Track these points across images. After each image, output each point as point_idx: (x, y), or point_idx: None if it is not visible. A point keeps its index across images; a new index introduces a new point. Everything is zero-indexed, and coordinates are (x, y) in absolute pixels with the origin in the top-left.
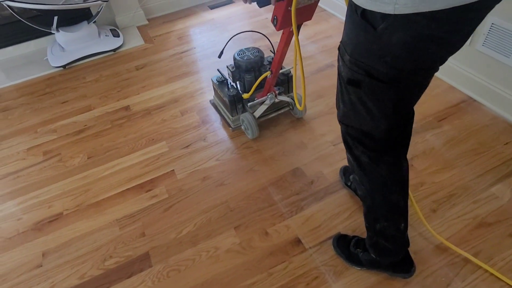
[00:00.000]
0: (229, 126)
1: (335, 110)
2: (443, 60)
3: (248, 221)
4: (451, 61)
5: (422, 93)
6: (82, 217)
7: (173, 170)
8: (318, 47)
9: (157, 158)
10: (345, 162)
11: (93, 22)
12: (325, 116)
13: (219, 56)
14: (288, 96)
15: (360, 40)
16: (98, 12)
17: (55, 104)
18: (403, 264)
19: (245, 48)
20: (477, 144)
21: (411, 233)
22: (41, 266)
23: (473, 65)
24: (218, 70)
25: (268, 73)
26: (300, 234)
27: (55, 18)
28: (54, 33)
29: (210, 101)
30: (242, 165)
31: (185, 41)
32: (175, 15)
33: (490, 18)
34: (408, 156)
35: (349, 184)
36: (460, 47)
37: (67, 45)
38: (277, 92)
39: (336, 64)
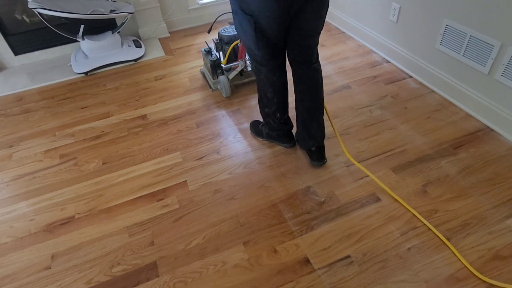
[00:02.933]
0: (210, 87)
1: (351, 131)
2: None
3: (257, 237)
4: (469, 89)
5: (277, 25)
6: (93, 222)
7: (186, 181)
8: (335, 68)
9: (171, 168)
10: (358, 184)
11: (117, 32)
12: (340, 137)
13: (208, 32)
14: None
15: None
16: (123, 23)
17: (74, 109)
18: (286, 137)
19: (228, 26)
20: (493, 174)
21: None
22: (50, 268)
23: (491, 95)
24: (205, 42)
25: (237, 42)
26: (309, 254)
27: (82, 26)
28: (79, 41)
29: (200, 70)
30: (254, 180)
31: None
32: (196, 29)
33: (510, 50)
34: (422, 181)
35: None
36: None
37: (90, 52)
38: (247, 60)
39: (352, 85)
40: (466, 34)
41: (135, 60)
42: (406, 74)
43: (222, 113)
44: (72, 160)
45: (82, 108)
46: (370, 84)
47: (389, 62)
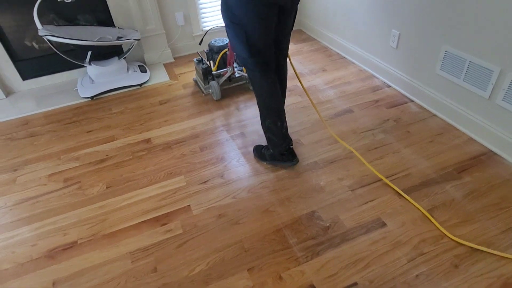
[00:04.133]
0: (202, 92)
1: (354, 155)
2: (279, 12)
3: (262, 264)
4: (471, 113)
5: (266, 33)
6: (96, 247)
7: (189, 205)
8: (337, 92)
9: (174, 192)
10: (363, 209)
11: (123, 58)
12: (343, 161)
13: (199, 44)
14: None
15: (227, 5)
16: (129, 49)
17: (80, 133)
18: (288, 154)
19: (218, 38)
20: (499, 198)
21: None
22: None
23: (493, 119)
24: (197, 52)
25: (226, 50)
26: (315, 281)
27: (89, 53)
28: (86, 66)
29: (193, 78)
30: (258, 204)
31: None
32: None
33: (510, 75)
34: (428, 206)
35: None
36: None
37: (97, 77)
38: (235, 67)
39: (354, 109)
40: (466, 59)
41: (140, 84)
42: (408, 98)
43: (225, 137)
44: (76, 184)
45: (88, 132)
46: (372, 108)
47: (390, 86)
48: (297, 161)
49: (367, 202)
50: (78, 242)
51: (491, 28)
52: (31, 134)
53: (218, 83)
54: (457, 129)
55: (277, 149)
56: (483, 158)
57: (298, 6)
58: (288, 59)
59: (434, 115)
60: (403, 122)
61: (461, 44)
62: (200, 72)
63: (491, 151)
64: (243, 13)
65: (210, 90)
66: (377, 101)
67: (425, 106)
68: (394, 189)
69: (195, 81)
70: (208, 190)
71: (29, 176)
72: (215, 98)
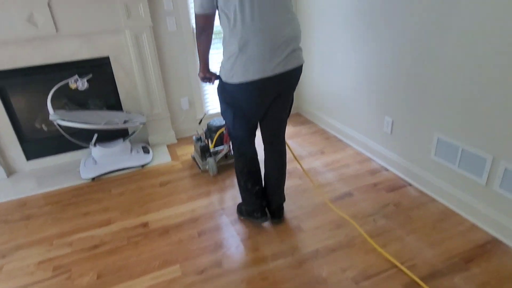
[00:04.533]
0: (199, 168)
1: (357, 242)
2: (263, 100)
3: None
4: (470, 199)
5: (251, 115)
6: None
7: None
8: (336, 175)
9: (168, 284)
10: None
11: (128, 140)
12: (345, 249)
13: (199, 123)
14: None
15: (221, 90)
16: (134, 132)
17: (76, 215)
18: (258, 212)
19: (216, 118)
20: None
21: None
22: None
23: (493, 205)
24: (197, 131)
25: (223, 129)
26: None
27: (95, 135)
28: (90, 148)
29: (191, 155)
30: None
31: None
32: None
33: (503, 163)
34: None
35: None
36: (277, 93)
37: (100, 159)
38: (230, 145)
39: (354, 193)
40: (458, 147)
41: (142, 165)
42: (406, 182)
43: (224, 221)
44: (66, 273)
45: (84, 214)
46: (372, 191)
47: (388, 170)
48: (266, 220)
49: None
50: None
51: (481, 117)
52: (27, 216)
53: (215, 160)
54: (459, 215)
55: (250, 207)
56: (489, 247)
57: (295, 92)
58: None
59: (434, 199)
60: (403, 207)
61: (452, 132)
62: (198, 149)
63: (496, 239)
64: (233, 99)
65: (207, 167)
66: (376, 184)
67: (424, 190)
68: (400, 282)
69: (193, 158)
70: (204, 281)
71: (17, 263)
72: (211, 174)
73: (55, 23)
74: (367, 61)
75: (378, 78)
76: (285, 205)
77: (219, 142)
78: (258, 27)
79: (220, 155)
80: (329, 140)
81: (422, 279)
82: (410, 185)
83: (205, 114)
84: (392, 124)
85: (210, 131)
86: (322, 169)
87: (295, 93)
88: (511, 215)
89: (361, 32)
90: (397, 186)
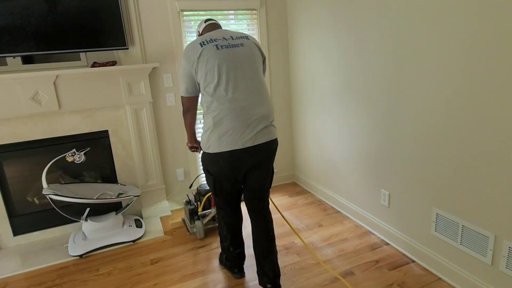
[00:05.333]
0: (188, 231)
1: None
2: (237, 170)
3: None
4: (477, 279)
5: (230, 184)
6: None
7: None
8: (335, 250)
9: None
10: None
11: (121, 213)
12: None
13: (189, 187)
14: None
15: (203, 159)
16: (128, 205)
17: None
18: (235, 268)
19: (205, 183)
20: None
21: None
22: None
23: (502, 287)
24: (187, 195)
25: (209, 194)
26: None
27: (87, 209)
28: (81, 222)
29: (181, 218)
30: None
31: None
32: None
33: (506, 243)
34: None
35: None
36: (250, 165)
37: (90, 234)
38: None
39: (355, 271)
40: (458, 223)
41: (134, 241)
42: (409, 258)
43: None
44: None
45: None
46: (374, 270)
47: (389, 244)
48: (242, 276)
49: None
50: None
51: (480, 194)
52: None
53: (202, 223)
54: None
55: (229, 263)
56: None
57: (291, 162)
58: (273, 204)
59: (440, 278)
60: None
61: (451, 208)
62: (187, 212)
63: None
64: (212, 167)
65: (194, 230)
66: (377, 261)
67: (428, 268)
68: None
69: (183, 220)
70: None
71: None
72: (198, 237)
73: (58, 101)
74: (360, 134)
75: (372, 151)
76: (283, 285)
77: (208, 205)
78: (232, 107)
79: (207, 218)
80: (326, 212)
81: None
82: (413, 261)
83: (196, 177)
84: (389, 197)
85: (200, 194)
86: (321, 244)
87: (292, 162)
88: None
89: (352, 106)
90: (399, 263)
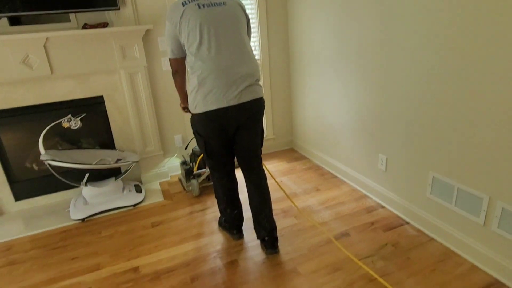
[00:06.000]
0: (184, 189)
1: (356, 286)
2: (225, 130)
3: None
4: (469, 239)
5: (220, 144)
6: None
7: None
8: (332, 213)
9: None
10: None
11: (120, 178)
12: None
13: (185, 149)
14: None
15: (191, 121)
16: (126, 171)
17: (64, 260)
18: (234, 229)
19: None
20: None
21: None
22: None
23: (493, 246)
24: (182, 155)
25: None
26: None
27: (87, 175)
28: (81, 187)
29: (178, 178)
30: None
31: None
32: None
33: (500, 203)
34: None
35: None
36: (237, 124)
37: (91, 198)
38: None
39: (351, 232)
40: (454, 186)
41: (134, 205)
42: (403, 220)
43: (218, 265)
44: None
45: (72, 258)
46: (369, 231)
47: (384, 207)
48: (241, 237)
49: None
50: None
51: (476, 157)
52: (12, 262)
53: (198, 181)
54: (459, 255)
55: (227, 225)
56: None
57: (290, 128)
58: (265, 168)
59: (433, 239)
60: (402, 248)
61: (447, 171)
62: (183, 171)
63: (498, 281)
64: (201, 128)
65: (190, 188)
66: (372, 223)
67: (422, 229)
68: None
69: (180, 180)
70: None
71: None
72: (194, 195)
73: (50, 65)
74: (359, 99)
75: (370, 116)
76: (281, 246)
77: (203, 165)
78: (215, 66)
79: (202, 177)
80: (324, 177)
81: None
82: (408, 223)
83: (191, 139)
84: (387, 161)
85: (194, 155)
86: (318, 207)
87: (290, 129)
88: (511, 256)
89: (351, 71)
90: (394, 225)
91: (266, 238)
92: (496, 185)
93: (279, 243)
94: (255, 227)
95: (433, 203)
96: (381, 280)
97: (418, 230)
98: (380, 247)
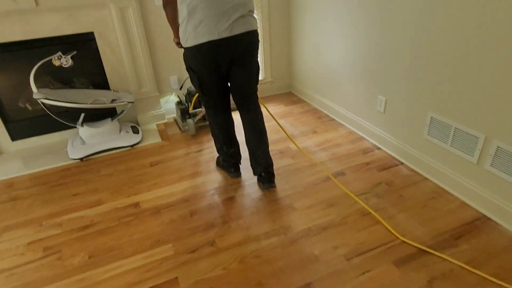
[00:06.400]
0: (180, 129)
1: (349, 221)
2: (218, 65)
3: None
4: (461, 177)
5: (214, 80)
6: None
7: (177, 277)
8: (328, 154)
9: (161, 263)
10: (360, 280)
11: (117, 119)
12: (338, 227)
13: (180, 88)
14: None
15: (184, 56)
16: (122, 111)
17: (65, 196)
18: (232, 167)
19: None
20: (498, 268)
21: None
22: None
23: (484, 184)
24: (178, 95)
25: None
26: None
27: (82, 115)
28: (78, 128)
29: (174, 118)
30: (250, 277)
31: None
32: None
33: (495, 142)
34: (427, 277)
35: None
36: (230, 58)
37: (88, 139)
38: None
39: (346, 172)
40: (451, 126)
41: (132, 146)
42: (398, 161)
43: (216, 201)
44: (56, 254)
45: (74, 195)
46: (364, 170)
47: (380, 149)
48: (238, 176)
49: (364, 273)
50: None
51: (474, 97)
52: (14, 197)
53: (194, 121)
54: (450, 193)
55: (225, 163)
56: (478, 224)
57: (287, 70)
58: (262, 105)
59: (426, 178)
60: (395, 186)
61: (446, 111)
62: (179, 111)
63: (485, 216)
64: (193, 63)
65: (186, 127)
66: (368, 163)
67: (416, 169)
68: (391, 259)
69: (175, 120)
70: (197, 260)
71: (6, 244)
72: (190, 134)
73: None
74: (360, 40)
75: (371, 57)
76: (277, 183)
77: (198, 104)
78: None
79: (198, 117)
80: (321, 120)
81: (412, 255)
82: (402, 164)
83: (186, 78)
84: (386, 103)
85: (190, 95)
86: (314, 148)
87: (289, 72)
88: (500, 193)
89: (352, 11)
90: (389, 165)
91: (263, 174)
92: (492, 124)
93: (275, 180)
94: (251, 164)
95: (429, 144)
96: (374, 214)
97: (412, 170)
98: (374, 186)
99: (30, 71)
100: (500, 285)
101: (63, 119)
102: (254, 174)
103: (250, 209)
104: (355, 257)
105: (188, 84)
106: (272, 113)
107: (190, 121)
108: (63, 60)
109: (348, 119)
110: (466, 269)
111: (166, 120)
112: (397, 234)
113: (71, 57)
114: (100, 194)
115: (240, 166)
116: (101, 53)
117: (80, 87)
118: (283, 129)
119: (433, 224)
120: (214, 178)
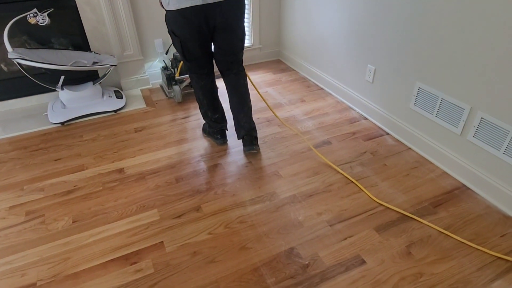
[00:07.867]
0: (166, 96)
1: (333, 188)
2: (202, 30)
3: None
4: (444, 148)
5: (197, 45)
6: None
7: (162, 241)
8: (315, 123)
9: (147, 227)
10: (342, 245)
11: (99, 83)
12: (322, 194)
13: (166, 53)
14: None
15: (166, 19)
16: (105, 75)
17: (47, 161)
18: (218, 134)
19: None
20: (473, 234)
21: None
22: None
23: (465, 154)
24: (163, 60)
25: None
26: None
27: (62, 77)
28: (58, 91)
29: (159, 84)
30: (235, 241)
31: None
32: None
33: (480, 113)
34: (406, 242)
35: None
36: (214, 24)
37: (69, 103)
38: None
39: (332, 141)
40: (438, 97)
41: (115, 111)
42: (384, 131)
43: (202, 168)
44: (39, 218)
45: (55, 160)
46: (350, 140)
47: (367, 119)
48: (224, 142)
49: (346, 238)
50: (38, 284)
51: (461, 68)
52: None
53: (180, 88)
54: (432, 163)
55: (211, 130)
56: (457, 193)
57: (277, 39)
58: (248, 78)
59: (409, 148)
60: (379, 155)
61: (433, 82)
62: (165, 77)
63: (464, 185)
64: (175, 27)
65: (172, 94)
66: (354, 133)
67: (400, 139)
68: (372, 225)
69: (161, 86)
70: (182, 225)
71: None
72: (176, 101)
73: None
74: (352, 8)
75: (362, 25)
76: (263, 151)
77: (185, 71)
78: None
79: (185, 83)
80: (310, 89)
81: (392, 222)
82: (388, 134)
83: (171, 44)
84: (374, 72)
85: (176, 60)
86: (302, 117)
87: (278, 39)
88: (479, 163)
89: None
90: (375, 135)
91: (245, 137)
92: (478, 96)
93: (262, 148)
94: (235, 128)
95: (415, 114)
96: (356, 182)
97: (397, 140)
98: (359, 155)
99: (3, 29)
100: (475, 248)
101: (41, 82)
102: (238, 138)
103: (236, 176)
104: (337, 223)
105: (174, 49)
106: (260, 81)
107: (176, 87)
108: (39, 18)
109: (336, 88)
110: (444, 234)
111: (151, 86)
112: (379, 201)
113: (48, 15)
114: (83, 159)
115: (227, 132)
116: (80, 12)
117: (59, 48)
118: (265, 101)
119: (414, 192)
120: (200, 145)
